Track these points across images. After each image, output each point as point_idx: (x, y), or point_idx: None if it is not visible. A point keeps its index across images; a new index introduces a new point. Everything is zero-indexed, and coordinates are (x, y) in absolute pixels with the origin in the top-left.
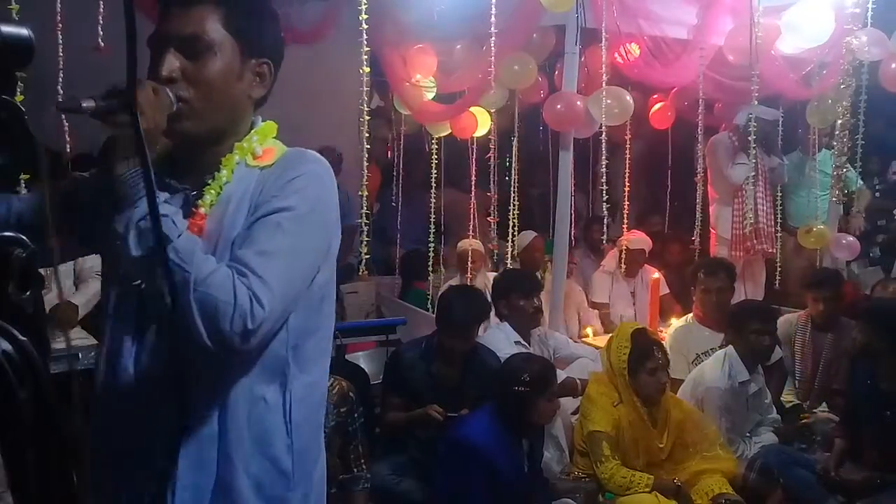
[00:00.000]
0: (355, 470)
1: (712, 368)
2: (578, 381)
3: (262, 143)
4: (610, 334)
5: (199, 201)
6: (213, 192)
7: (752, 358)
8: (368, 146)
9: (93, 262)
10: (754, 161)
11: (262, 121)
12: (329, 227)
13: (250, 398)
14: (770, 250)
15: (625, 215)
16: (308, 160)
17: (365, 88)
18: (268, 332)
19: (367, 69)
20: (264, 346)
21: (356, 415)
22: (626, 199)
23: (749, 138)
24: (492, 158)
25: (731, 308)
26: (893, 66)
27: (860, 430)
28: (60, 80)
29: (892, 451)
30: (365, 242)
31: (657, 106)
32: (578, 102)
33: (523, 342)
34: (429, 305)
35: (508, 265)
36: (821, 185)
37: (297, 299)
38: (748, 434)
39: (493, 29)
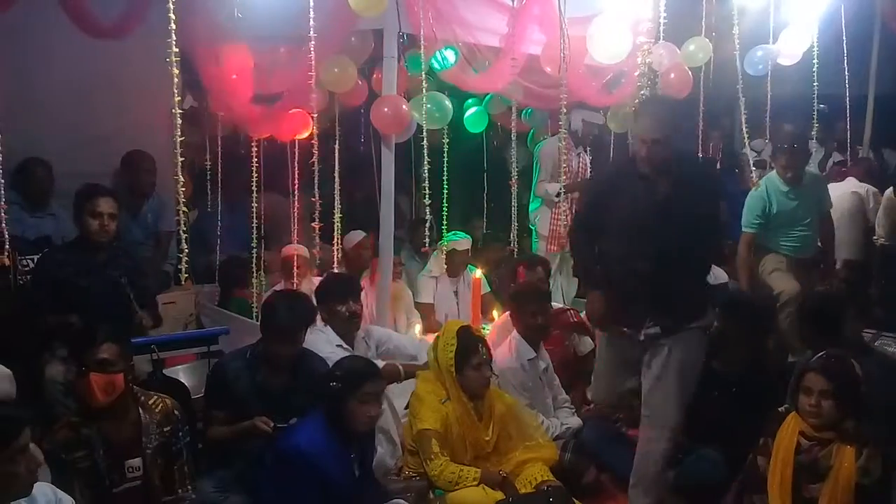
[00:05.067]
0: (179, 491)
1: (502, 352)
2: (400, 367)
3: None
4: (436, 333)
5: None
6: None
7: (532, 337)
8: (181, 150)
9: None
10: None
11: None
12: None
13: None
14: None
15: (445, 217)
16: None
17: (176, 89)
18: None
19: (177, 71)
20: None
21: (181, 434)
22: (445, 201)
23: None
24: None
25: (510, 291)
26: (672, 76)
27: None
28: None
29: (714, 426)
30: (185, 250)
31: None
32: (404, 106)
33: (345, 345)
34: (253, 313)
35: (335, 269)
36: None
37: None
38: (554, 414)
39: (312, 32)
